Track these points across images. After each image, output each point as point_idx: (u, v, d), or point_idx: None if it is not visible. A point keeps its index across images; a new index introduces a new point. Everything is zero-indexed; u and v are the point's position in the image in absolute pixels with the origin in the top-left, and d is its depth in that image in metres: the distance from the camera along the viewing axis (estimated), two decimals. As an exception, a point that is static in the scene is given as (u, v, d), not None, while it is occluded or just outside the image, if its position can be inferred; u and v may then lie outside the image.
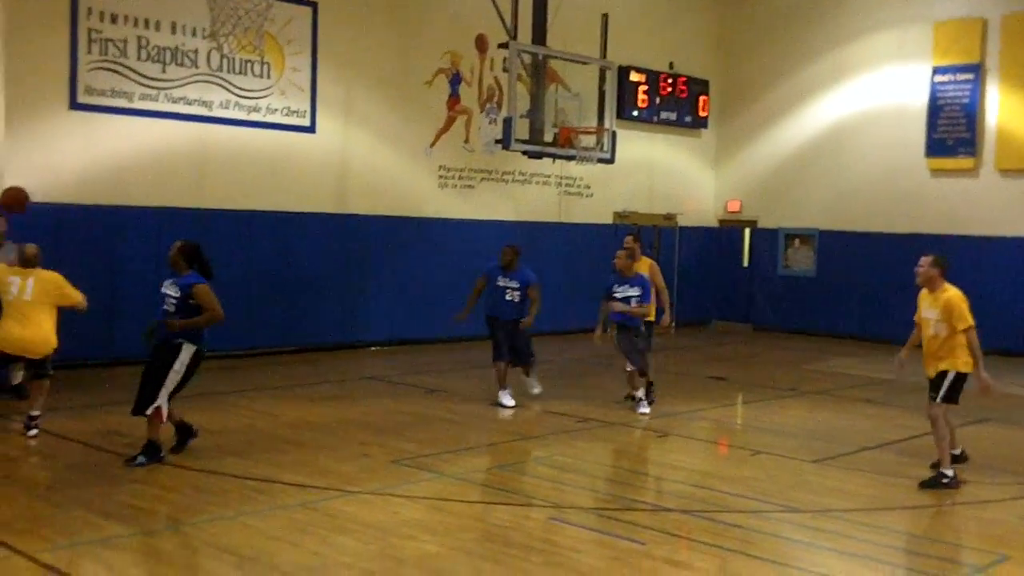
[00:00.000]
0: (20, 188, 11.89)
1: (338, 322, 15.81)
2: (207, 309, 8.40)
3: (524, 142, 14.35)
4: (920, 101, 18.90)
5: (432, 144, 17.07)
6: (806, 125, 20.77)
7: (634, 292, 11.27)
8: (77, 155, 13.11)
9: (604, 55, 15.23)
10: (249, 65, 14.53)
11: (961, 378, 8.58)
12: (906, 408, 11.92)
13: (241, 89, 14.52)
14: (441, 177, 17.26)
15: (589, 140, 14.96)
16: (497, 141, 14.68)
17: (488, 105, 17.77)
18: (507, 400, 11.66)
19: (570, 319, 17.75)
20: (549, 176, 18.63)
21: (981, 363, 8.57)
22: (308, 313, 15.40)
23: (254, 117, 14.69)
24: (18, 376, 10.51)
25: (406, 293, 16.60)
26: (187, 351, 8.42)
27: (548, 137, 14.62)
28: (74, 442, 9.26)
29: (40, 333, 9.11)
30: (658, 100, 20.24)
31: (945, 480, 8.56)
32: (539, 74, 14.71)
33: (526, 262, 12.02)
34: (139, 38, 13.46)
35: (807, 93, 20.68)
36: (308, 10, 15.15)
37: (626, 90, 19.31)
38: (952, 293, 8.62)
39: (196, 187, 14.22)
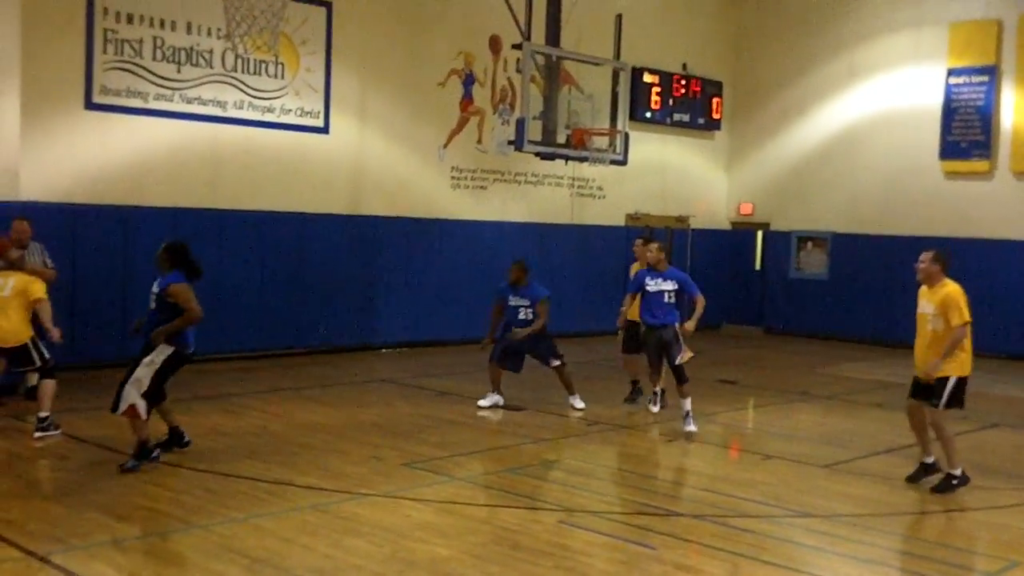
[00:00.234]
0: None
1: (351, 324, 15.84)
2: (184, 308, 8.45)
3: (537, 143, 14.34)
4: (935, 103, 18.80)
5: (445, 145, 17.08)
6: (820, 127, 20.68)
7: (668, 286, 11.10)
8: (92, 155, 13.16)
9: (618, 56, 15.20)
10: (263, 65, 14.58)
11: (962, 382, 8.53)
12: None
13: (255, 89, 14.57)
14: (454, 178, 17.27)
15: (602, 141, 14.94)
16: (510, 142, 14.66)
17: (501, 106, 17.77)
18: (482, 401, 11.73)
19: (581, 321, 17.74)
20: (562, 177, 18.61)
21: (953, 357, 8.41)
22: (321, 314, 15.43)
23: (268, 118, 14.73)
24: (33, 379, 10.57)
25: (419, 294, 16.61)
26: (161, 351, 8.44)
27: (561, 138, 14.62)
28: (88, 443, 9.30)
29: (10, 325, 9.48)
30: (671, 101, 20.20)
31: (955, 481, 8.54)
32: (552, 75, 14.71)
33: (537, 271, 11.91)
34: (155, 38, 13.52)
35: (821, 95, 20.60)
36: (323, 10, 15.18)
37: (639, 91, 19.27)
38: (951, 288, 8.53)
39: (210, 187, 14.27)
